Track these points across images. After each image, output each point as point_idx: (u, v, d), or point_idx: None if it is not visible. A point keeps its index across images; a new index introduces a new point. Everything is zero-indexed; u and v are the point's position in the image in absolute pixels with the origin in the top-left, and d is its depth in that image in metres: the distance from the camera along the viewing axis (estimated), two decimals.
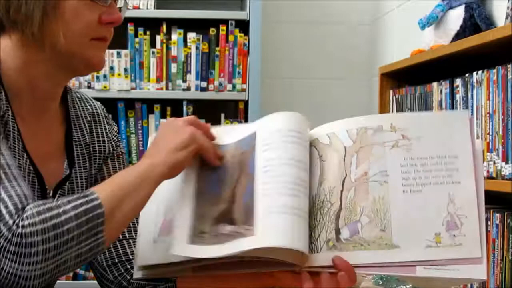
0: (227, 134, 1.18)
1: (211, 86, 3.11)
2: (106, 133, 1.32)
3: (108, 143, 1.31)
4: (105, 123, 1.33)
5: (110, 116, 1.37)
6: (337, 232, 1.07)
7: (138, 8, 3.08)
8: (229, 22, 3.11)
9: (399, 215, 1.05)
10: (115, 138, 1.34)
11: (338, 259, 1.05)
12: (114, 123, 1.38)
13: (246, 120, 3.12)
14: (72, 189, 1.24)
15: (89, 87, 3.07)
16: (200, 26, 3.13)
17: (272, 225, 1.05)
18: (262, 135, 1.13)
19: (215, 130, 1.18)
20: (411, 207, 1.05)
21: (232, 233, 1.08)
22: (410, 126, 1.09)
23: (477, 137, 1.11)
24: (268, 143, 1.12)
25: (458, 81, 1.98)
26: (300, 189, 1.07)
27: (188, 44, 3.11)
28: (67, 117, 1.26)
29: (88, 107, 1.31)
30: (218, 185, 1.14)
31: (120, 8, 1.19)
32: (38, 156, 1.18)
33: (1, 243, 0.95)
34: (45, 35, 1.12)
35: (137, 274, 1.18)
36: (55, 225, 0.97)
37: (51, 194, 1.20)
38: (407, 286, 1.65)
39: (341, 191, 1.08)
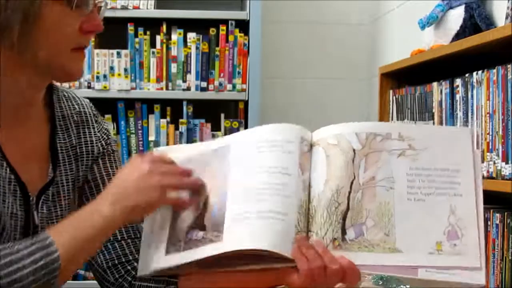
0: (200, 145, 1.25)
1: (211, 86, 3.11)
2: (94, 132, 1.29)
3: (96, 143, 1.28)
4: (94, 121, 1.29)
5: (99, 114, 1.34)
6: (343, 232, 1.10)
7: (138, 8, 3.08)
8: (229, 22, 3.11)
9: (402, 221, 1.10)
10: (104, 136, 1.31)
11: (342, 258, 1.08)
12: (104, 121, 1.34)
13: (246, 120, 3.12)
14: (57, 193, 1.21)
15: (89, 87, 3.07)
16: (200, 26, 3.13)
17: (236, 230, 1.10)
18: (238, 149, 1.18)
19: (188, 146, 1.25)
20: (415, 215, 1.10)
21: (202, 239, 1.13)
22: (417, 137, 1.13)
23: (477, 147, 1.16)
24: (242, 156, 1.17)
25: (458, 81, 1.98)
26: (269, 193, 1.11)
27: (188, 44, 3.11)
28: (53, 118, 1.24)
29: (76, 106, 1.28)
30: (192, 194, 1.18)
31: (100, 7, 1.16)
32: (20, 162, 1.15)
33: None
34: (25, 46, 1.09)
35: (141, 272, 1.19)
36: (15, 280, 1.00)
37: (34, 200, 1.17)
38: (407, 286, 1.65)
39: (349, 192, 1.11)
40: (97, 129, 1.30)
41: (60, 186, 1.22)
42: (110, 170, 1.29)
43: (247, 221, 1.10)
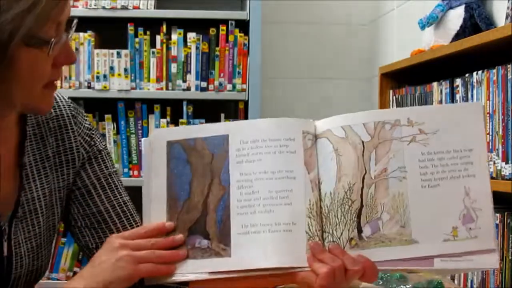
0: (195, 129, 1.17)
1: (211, 86, 3.11)
2: (74, 136, 1.21)
3: (77, 149, 1.22)
4: (73, 124, 1.22)
5: (79, 111, 1.25)
6: (359, 230, 1.08)
7: (138, 8, 3.08)
8: (229, 22, 3.11)
9: (418, 210, 1.07)
10: (87, 138, 1.23)
11: (361, 256, 1.06)
12: (85, 119, 1.26)
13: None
14: (35, 210, 1.16)
15: (89, 87, 3.06)
16: (200, 26, 3.13)
17: (245, 247, 1.08)
18: (236, 144, 1.13)
19: (181, 127, 1.16)
20: (430, 202, 1.08)
21: (208, 249, 1.10)
22: (427, 120, 1.10)
23: None
24: (243, 154, 1.12)
25: (458, 81, 1.98)
26: (275, 202, 1.08)
27: (188, 44, 3.12)
28: (24, 130, 1.17)
29: (52, 110, 1.20)
30: (187, 188, 1.13)
31: (73, 17, 1.09)
32: None
33: None
34: None
35: (148, 282, 1.15)
36: None
37: (6, 225, 1.12)
38: (407, 286, 1.65)
39: (362, 188, 1.09)
40: (77, 132, 1.23)
41: (37, 201, 1.16)
42: (99, 172, 1.24)
43: (256, 235, 1.08)
